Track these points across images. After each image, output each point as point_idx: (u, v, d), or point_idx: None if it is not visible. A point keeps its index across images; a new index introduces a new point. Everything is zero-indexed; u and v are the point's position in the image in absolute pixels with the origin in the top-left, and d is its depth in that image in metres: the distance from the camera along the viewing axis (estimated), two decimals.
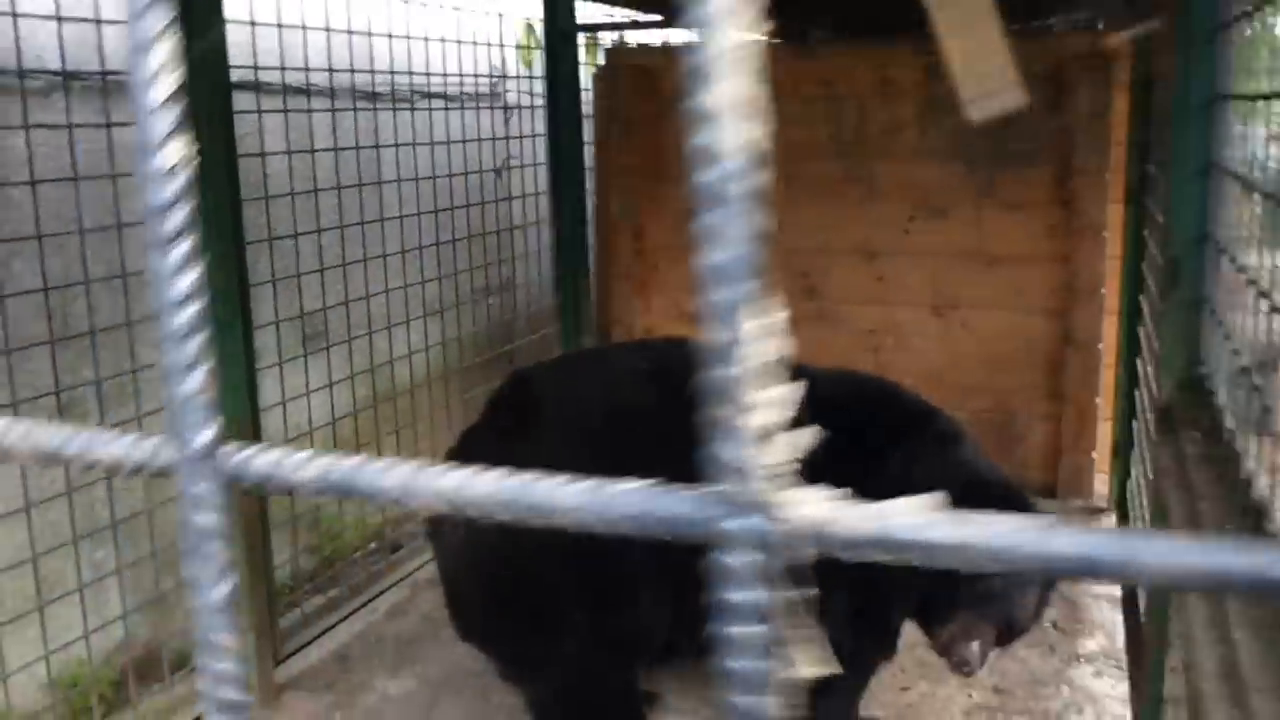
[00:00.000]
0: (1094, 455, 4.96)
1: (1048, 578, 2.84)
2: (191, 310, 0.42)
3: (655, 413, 2.89)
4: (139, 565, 3.37)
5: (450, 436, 4.74)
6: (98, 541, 3.26)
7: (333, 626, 3.87)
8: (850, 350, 5.01)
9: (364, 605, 4.06)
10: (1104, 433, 4.91)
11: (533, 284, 5.56)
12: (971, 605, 2.74)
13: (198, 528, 0.44)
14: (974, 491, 2.82)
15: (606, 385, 2.97)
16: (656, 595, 2.80)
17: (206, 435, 0.43)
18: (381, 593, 4.17)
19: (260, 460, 0.44)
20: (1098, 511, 4.90)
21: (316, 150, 4.02)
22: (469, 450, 2.88)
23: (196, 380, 0.43)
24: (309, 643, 3.74)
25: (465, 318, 4.93)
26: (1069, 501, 5.02)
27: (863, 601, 2.85)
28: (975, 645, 2.71)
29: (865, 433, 2.94)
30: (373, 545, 4.47)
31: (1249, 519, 1.47)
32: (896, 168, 5.03)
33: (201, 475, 0.43)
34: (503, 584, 2.78)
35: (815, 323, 5.27)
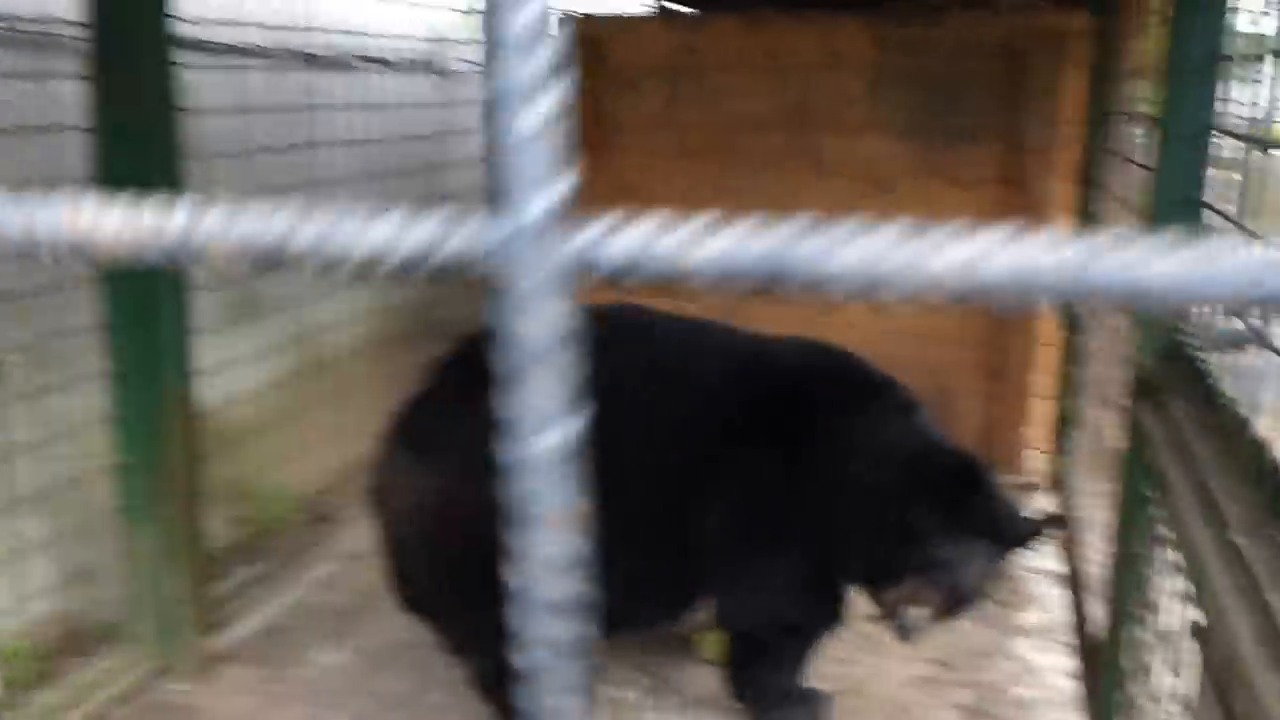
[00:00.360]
0: (1029, 432, 5.00)
1: (998, 548, 2.84)
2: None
3: (606, 378, 2.81)
4: (67, 537, 3.20)
5: (384, 405, 4.61)
6: (23, 512, 3.08)
7: (265, 598, 3.73)
8: (791, 326, 4.96)
9: (296, 577, 3.92)
10: (1041, 410, 4.96)
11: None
12: (920, 571, 2.73)
13: (534, 341, 0.35)
14: (932, 459, 2.81)
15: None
16: (606, 564, 2.71)
17: (547, 201, 0.34)
18: (314, 565, 4.04)
19: (626, 237, 0.35)
20: (1032, 488, 4.95)
21: (252, 111, 3.85)
22: (415, 418, 2.76)
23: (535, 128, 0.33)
24: (241, 615, 3.60)
25: (390, 284, 4.78)
26: (1003, 478, 5.06)
27: (811, 569, 2.82)
28: (919, 612, 2.71)
29: (825, 401, 2.91)
30: (303, 516, 4.32)
31: (1265, 486, 1.45)
32: (844, 142, 5.00)
33: (537, 258, 0.34)
34: (453, 552, 2.67)
35: (758, 299, 5.19)
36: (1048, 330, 4.87)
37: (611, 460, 2.74)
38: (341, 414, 4.39)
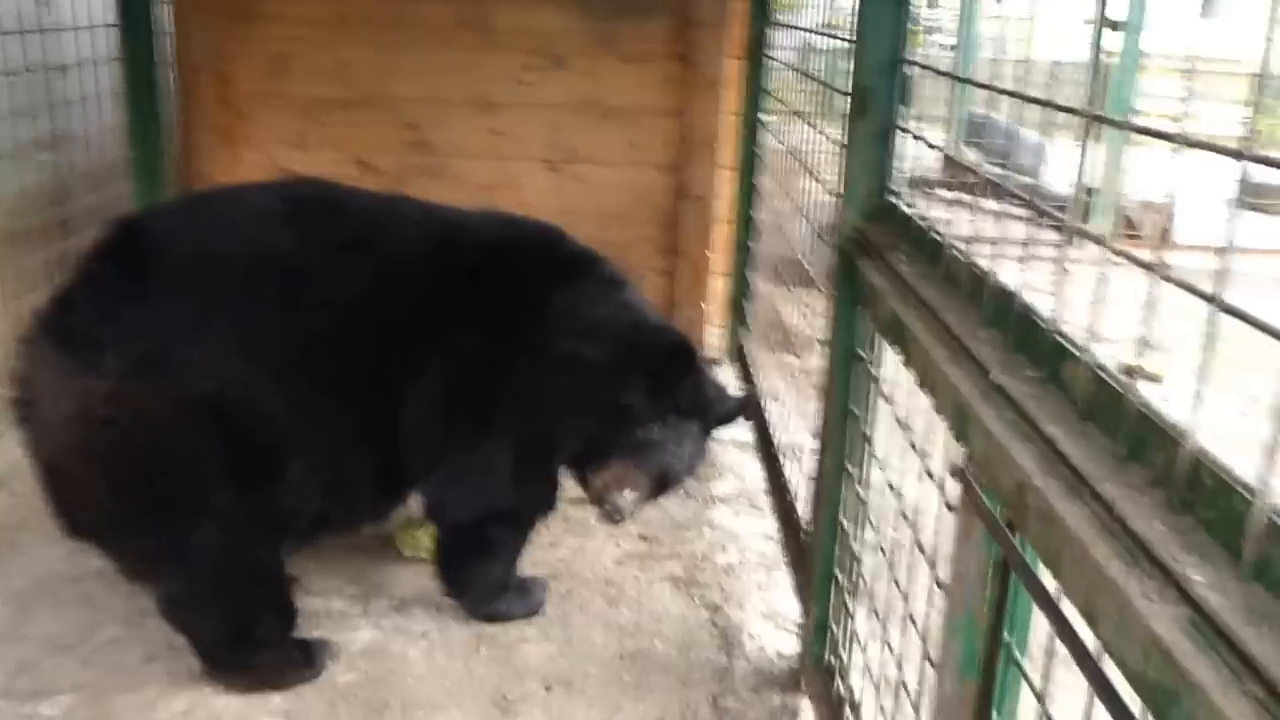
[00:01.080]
0: (707, 308, 5.11)
1: (706, 428, 2.84)
2: None
3: (296, 258, 2.54)
4: None
5: (16, 307, 4.02)
6: None
7: None
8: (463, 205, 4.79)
9: None
10: (717, 287, 5.06)
11: (97, 135, 4.78)
12: (628, 454, 2.69)
13: None
14: (643, 339, 2.75)
15: (236, 229, 2.55)
16: (308, 462, 2.49)
17: None
18: None
19: None
20: (713, 363, 5.07)
21: None
22: (66, 314, 2.37)
23: None
24: None
25: (9, 173, 4.13)
26: None
27: (523, 451, 2.71)
28: (628, 494, 2.67)
29: (530, 275, 2.77)
30: None
31: (1010, 329, 1.46)
32: (513, 14, 4.78)
33: None
34: (126, 466, 2.34)
35: (426, 178, 4.97)
36: (724, 207, 4.96)
37: (308, 345, 2.51)
38: None
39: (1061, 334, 1.32)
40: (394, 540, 3.23)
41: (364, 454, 2.61)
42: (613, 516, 2.69)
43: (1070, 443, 1.18)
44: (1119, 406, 1.14)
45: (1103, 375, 1.20)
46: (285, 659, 2.64)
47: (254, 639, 2.57)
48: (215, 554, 2.42)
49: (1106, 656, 1.01)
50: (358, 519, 2.80)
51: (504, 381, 2.68)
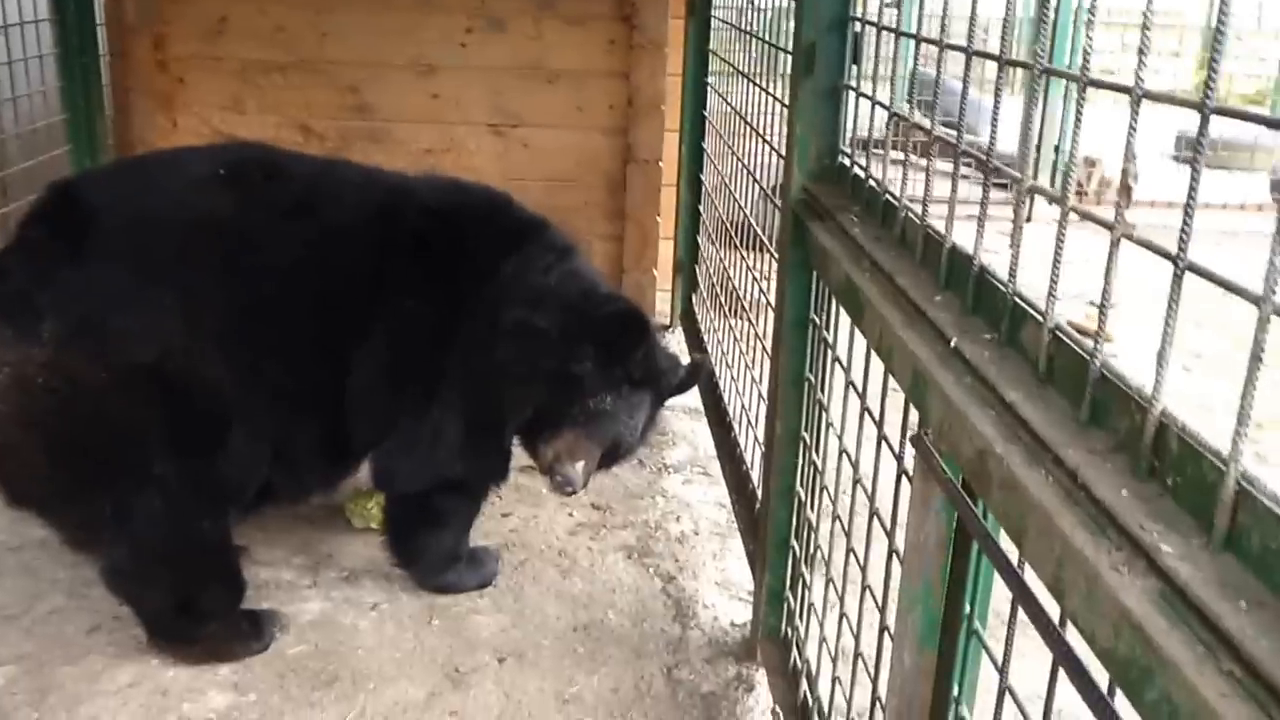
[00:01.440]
0: (656, 272, 5.06)
1: (659, 397, 2.80)
2: None
3: (236, 223, 2.46)
4: None
5: None
6: None
7: None
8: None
9: None
10: (665, 251, 5.01)
11: (30, 98, 4.61)
12: (579, 424, 2.64)
13: None
14: (594, 308, 2.70)
15: (175, 194, 2.47)
16: (253, 430, 2.43)
17: None
18: None
19: None
20: (663, 329, 5.03)
21: None
22: (1, 281, 2.28)
23: None
24: None
25: None
26: None
27: (473, 420, 2.66)
28: (580, 464, 2.62)
29: (478, 242, 2.71)
30: None
31: (965, 291, 1.43)
32: None
33: None
34: (65, 435, 2.27)
35: (367, 142, 4.87)
36: (669, 172, 4.90)
37: (250, 312, 2.43)
38: None
39: (1020, 296, 1.29)
40: (344, 510, 3.17)
41: (310, 422, 2.55)
42: (564, 488, 2.64)
43: (1031, 407, 1.15)
44: (1080, 370, 1.10)
45: (1063, 338, 1.17)
46: (233, 630, 2.58)
47: (200, 610, 2.52)
48: (158, 524, 2.36)
49: (1071, 627, 0.99)
50: (305, 489, 2.74)
51: (451, 349, 2.62)
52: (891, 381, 1.66)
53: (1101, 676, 0.94)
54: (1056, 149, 8.38)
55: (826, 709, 2.08)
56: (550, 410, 2.65)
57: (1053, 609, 1.05)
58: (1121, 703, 0.91)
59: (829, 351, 2.15)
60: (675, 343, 4.85)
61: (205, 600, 2.53)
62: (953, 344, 1.35)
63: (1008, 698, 1.25)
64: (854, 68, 2.16)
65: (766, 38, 3.18)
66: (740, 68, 3.60)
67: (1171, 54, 14.88)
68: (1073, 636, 1.01)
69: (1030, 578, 1.11)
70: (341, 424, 2.57)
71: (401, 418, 2.63)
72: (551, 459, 2.65)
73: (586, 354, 2.60)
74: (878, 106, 2.01)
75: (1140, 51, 0.99)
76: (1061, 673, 1.05)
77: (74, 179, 2.58)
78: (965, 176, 1.50)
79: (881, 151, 2.14)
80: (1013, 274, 1.29)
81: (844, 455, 2.02)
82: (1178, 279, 0.93)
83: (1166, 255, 0.95)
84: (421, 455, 2.67)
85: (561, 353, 2.60)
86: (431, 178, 2.84)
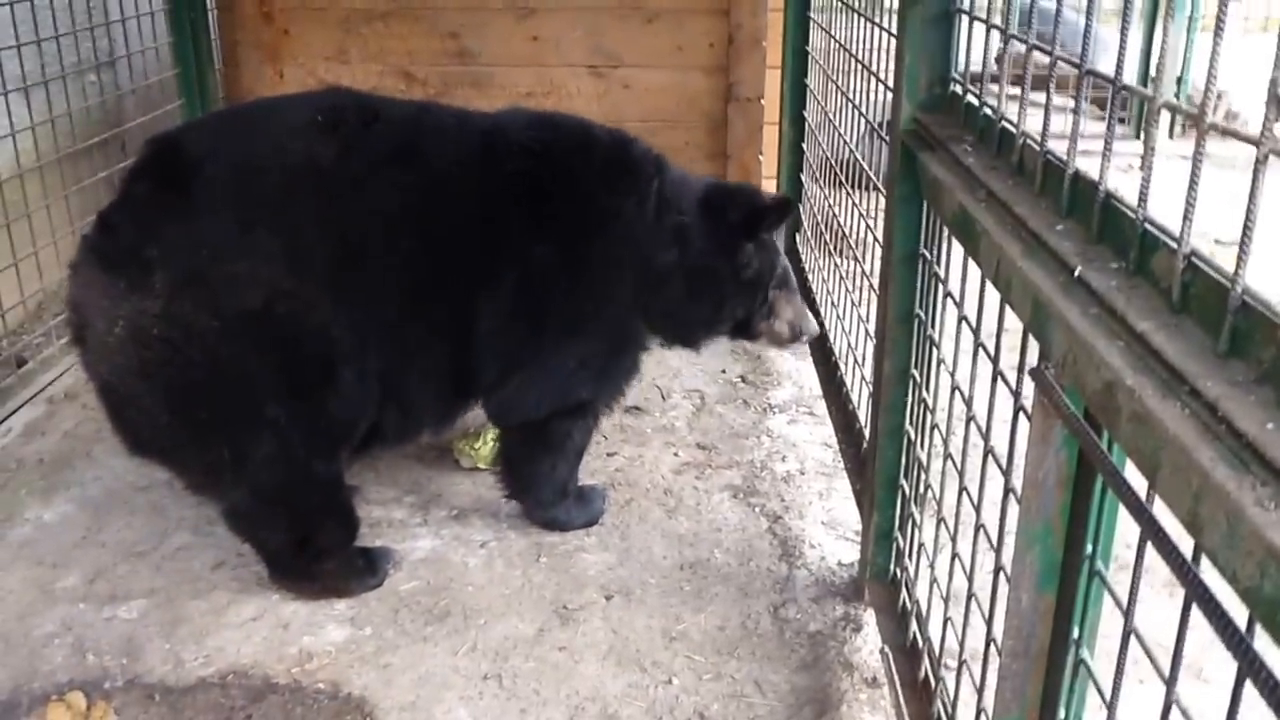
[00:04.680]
0: None
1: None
2: None
3: (337, 169, 2.48)
4: None
5: (66, 228, 4.02)
6: None
7: None
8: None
9: None
10: (768, 190, 4.94)
11: (144, 54, 4.73)
12: (779, 289, 2.96)
13: None
14: (728, 198, 2.86)
15: (275, 142, 2.49)
16: (361, 372, 2.47)
17: None
18: (14, 412, 3.53)
19: None
20: None
21: None
22: (111, 237, 2.34)
23: None
24: None
25: (61, 95, 4.10)
26: None
27: (620, 344, 2.80)
28: (808, 314, 3.07)
29: (589, 180, 2.72)
30: None
31: (1087, 218, 1.36)
32: None
33: None
34: (180, 383, 2.33)
35: (469, 88, 4.88)
36: (770, 110, 4.82)
37: (355, 255, 2.46)
38: (20, 243, 3.78)
39: (1151, 221, 1.22)
40: (452, 450, 3.22)
41: (424, 363, 2.59)
42: (813, 336, 3.17)
43: (1164, 337, 1.09)
44: (1218, 298, 1.04)
45: (1199, 264, 1.11)
46: (349, 567, 2.65)
47: (317, 548, 2.59)
48: (272, 466, 2.42)
49: (1207, 567, 0.94)
50: (417, 428, 2.79)
51: (591, 286, 2.69)
52: (1007, 316, 1.60)
53: (1239, 617, 0.90)
54: (1179, 79, 8.01)
55: (937, 650, 2.05)
56: (745, 295, 2.90)
57: (1184, 549, 1.01)
58: (1261, 643, 0.87)
59: (940, 286, 2.09)
60: None
61: (322, 538, 2.59)
62: (1077, 273, 1.29)
63: (1132, 640, 1.21)
64: None
65: None
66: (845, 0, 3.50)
67: None
68: (1206, 575, 0.97)
69: (1159, 516, 1.07)
70: (459, 364, 2.61)
71: (539, 354, 2.68)
72: (789, 328, 3.01)
73: (746, 239, 2.83)
74: (991, 33, 1.93)
75: None
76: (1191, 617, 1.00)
77: (173, 133, 2.63)
78: (1077, 109, 1.43)
79: (996, 84, 2.06)
80: (1143, 199, 1.23)
81: (956, 392, 1.97)
82: None
83: None
84: (556, 384, 2.73)
85: (730, 249, 2.81)
86: (514, 113, 2.83)
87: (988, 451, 1.76)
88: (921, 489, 2.25)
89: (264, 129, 2.55)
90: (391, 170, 2.50)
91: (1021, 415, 1.58)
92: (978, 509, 1.80)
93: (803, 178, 4.55)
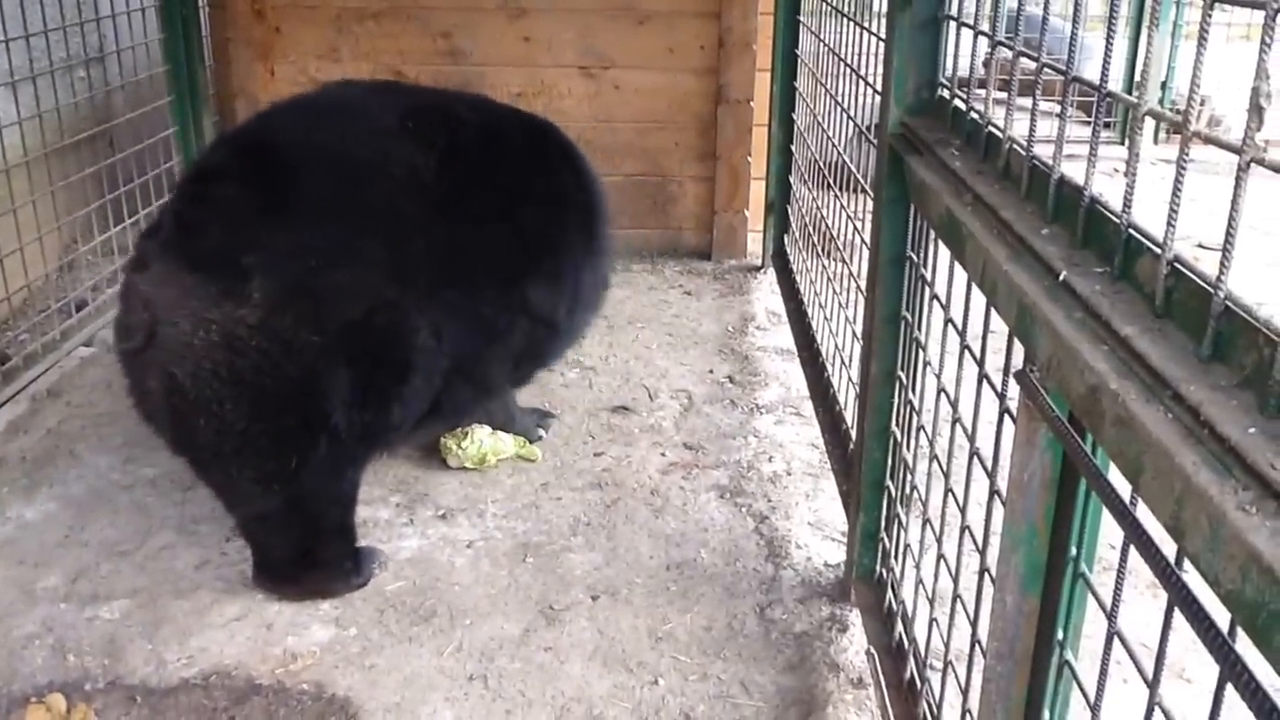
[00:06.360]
0: (747, 214, 5.00)
1: None
2: None
3: (424, 171, 2.53)
4: None
5: (53, 224, 4.01)
6: None
7: None
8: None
9: None
10: (756, 192, 4.95)
11: (134, 50, 4.71)
12: None
13: None
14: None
15: (365, 144, 2.52)
16: (428, 376, 2.49)
17: None
18: None
19: None
20: (755, 269, 4.98)
21: None
22: (195, 238, 2.25)
23: None
24: None
25: (50, 90, 4.08)
26: (725, 262, 5.08)
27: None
28: None
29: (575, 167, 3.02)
30: None
31: (1072, 223, 1.37)
32: None
33: None
34: (271, 394, 2.26)
35: (459, 87, 4.87)
36: (760, 113, 4.83)
37: (448, 258, 2.49)
38: (5, 239, 3.77)
39: (1135, 227, 1.23)
40: (439, 450, 3.22)
41: (499, 348, 2.75)
42: None
43: (1147, 342, 1.10)
44: (1201, 303, 1.05)
45: (1182, 269, 1.11)
46: (335, 568, 2.63)
47: (315, 559, 2.57)
48: (318, 474, 2.39)
49: (1189, 570, 0.95)
50: (452, 426, 3.04)
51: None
52: (992, 319, 1.61)
53: (1220, 620, 0.91)
54: (1164, 85, 8.04)
55: (923, 651, 2.06)
56: None
57: (1167, 551, 1.02)
58: (1242, 645, 0.87)
59: (926, 289, 2.10)
60: (767, 283, 4.81)
61: (325, 551, 2.58)
62: (1062, 278, 1.30)
63: (1115, 642, 1.22)
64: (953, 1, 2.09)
65: None
66: (834, 4, 3.51)
67: None
68: (1189, 578, 0.97)
69: (1142, 519, 1.07)
70: (531, 339, 2.83)
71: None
72: None
73: None
74: (978, 39, 1.94)
75: None
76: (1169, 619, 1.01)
77: (254, 132, 2.58)
78: (1062, 115, 1.43)
79: (982, 89, 2.07)
80: (1127, 204, 1.24)
81: (942, 394, 1.98)
82: None
83: None
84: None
85: None
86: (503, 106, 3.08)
87: (973, 453, 1.77)
88: (907, 490, 2.26)
89: (354, 131, 2.54)
90: (464, 168, 2.59)
91: (1006, 418, 1.59)
92: (963, 510, 1.81)
93: (791, 180, 4.56)
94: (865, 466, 2.44)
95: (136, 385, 2.39)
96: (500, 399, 3.16)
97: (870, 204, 2.54)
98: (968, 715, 1.74)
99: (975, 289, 1.66)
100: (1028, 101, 1.65)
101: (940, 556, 1.97)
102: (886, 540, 2.42)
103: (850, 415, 2.97)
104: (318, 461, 2.36)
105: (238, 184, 2.32)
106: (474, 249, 2.57)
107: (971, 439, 1.77)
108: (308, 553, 2.56)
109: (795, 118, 4.47)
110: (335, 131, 2.54)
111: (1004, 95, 1.71)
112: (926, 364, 2.14)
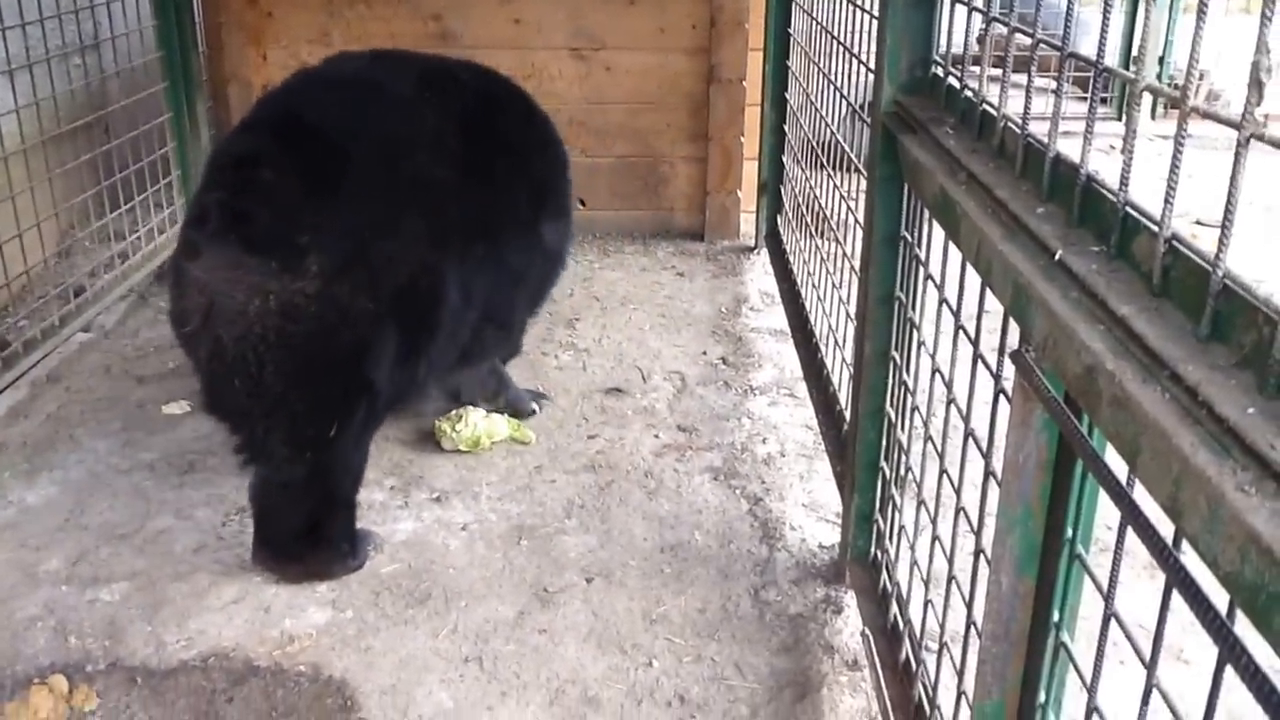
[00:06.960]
0: (740, 194, 4.98)
1: None
2: None
3: (453, 138, 2.70)
4: None
5: (50, 210, 3.98)
6: None
7: None
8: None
9: None
10: (749, 172, 4.93)
11: (128, 37, 4.67)
12: None
13: None
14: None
15: (393, 116, 2.66)
16: (451, 338, 2.68)
17: None
18: None
19: None
20: (748, 250, 4.97)
21: None
22: (247, 224, 2.23)
23: None
24: None
25: (46, 78, 4.04)
26: (717, 242, 5.06)
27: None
28: None
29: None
30: None
31: (1069, 201, 1.36)
32: None
33: None
34: (323, 359, 2.34)
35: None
36: (752, 92, 4.80)
37: (480, 220, 2.67)
38: (4, 226, 3.74)
39: (1132, 205, 1.22)
40: (433, 433, 3.21)
41: (516, 298, 3.01)
42: None
43: (1144, 321, 1.09)
44: (1199, 282, 1.04)
45: (1180, 248, 1.10)
46: (332, 550, 2.63)
47: (319, 535, 2.57)
48: (345, 439, 2.46)
49: (1187, 551, 0.94)
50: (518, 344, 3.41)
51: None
52: (987, 299, 1.60)
53: (1220, 602, 0.90)
54: (1161, 60, 8.01)
55: (918, 632, 2.06)
56: None
57: (1164, 532, 1.01)
58: (1241, 627, 0.87)
59: (920, 269, 2.09)
60: (760, 264, 4.79)
61: (330, 527, 2.58)
62: (1058, 257, 1.29)
63: (1112, 624, 1.21)
64: None
65: None
66: None
67: None
68: (1187, 559, 0.97)
69: (1139, 499, 1.07)
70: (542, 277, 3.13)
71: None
72: None
73: None
74: (972, 15, 1.93)
75: None
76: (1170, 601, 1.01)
77: (280, 113, 2.58)
78: (1058, 91, 1.42)
79: (976, 67, 2.05)
80: (1124, 182, 1.23)
81: (936, 374, 1.97)
82: None
83: None
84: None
85: None
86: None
87: (968, 434, 1.76)
88: (902, 471, 2.25)
89: (377, 105, 2.65)
90: (494, 135, 2.84)
91: (1002, 398, 1.58)
92: (958, 491, 1.80)
93: (784, 159, 4.54)
94: (860, 448, 2.43)
95: (200, 367, 2.46)
96: (510, 343, 3.39)
97: (864, 183, 2.53)
98: (963, 697, 1.73)
99: (970, 268, 1.65)
100: (1023, 78, 1.63)
101: (935, 538, 1.97)
102: (881, 522, 2.41)
103: (844, 396, 2.96)
104: (354, 425, 2.45)
105: (280, 168, 2.33)
106: (499, 205, 2.77)
107: (966, 420, 1.77)
108: (315, 527, 2.56)
109: (788, 97, 4.45)
110: (360, 107, 2.62)
111: (998, 72, 1.70)
112: (921, 344, 2.13)
